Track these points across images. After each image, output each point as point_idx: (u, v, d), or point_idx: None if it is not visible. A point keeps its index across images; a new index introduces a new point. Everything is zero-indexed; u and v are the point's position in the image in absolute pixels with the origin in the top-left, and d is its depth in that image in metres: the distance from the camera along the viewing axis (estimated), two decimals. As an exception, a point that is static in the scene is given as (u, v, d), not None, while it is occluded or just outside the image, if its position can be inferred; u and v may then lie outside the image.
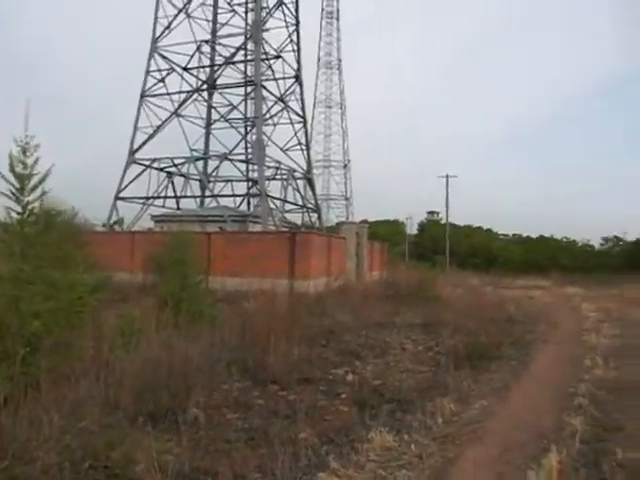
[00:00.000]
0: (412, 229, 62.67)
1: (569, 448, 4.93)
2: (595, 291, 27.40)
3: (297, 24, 29.78)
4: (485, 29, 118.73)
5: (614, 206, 76.99)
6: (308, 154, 30.14)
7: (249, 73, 28.69)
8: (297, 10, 29.88)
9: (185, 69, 27.75)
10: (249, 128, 29.51)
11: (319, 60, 61.81)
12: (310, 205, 29.94)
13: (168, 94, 27.39)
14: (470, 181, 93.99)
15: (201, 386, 6.05)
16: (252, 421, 5.47)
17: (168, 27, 27.33)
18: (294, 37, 29.52)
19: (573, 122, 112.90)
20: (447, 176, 45.78)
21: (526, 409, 6.34)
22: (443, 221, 51.24)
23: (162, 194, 26.46)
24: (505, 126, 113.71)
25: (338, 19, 61.08)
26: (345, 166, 61.26)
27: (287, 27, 29.31)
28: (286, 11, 29.17)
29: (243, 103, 29.78)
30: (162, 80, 27.33)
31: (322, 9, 60.78)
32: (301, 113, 29.64)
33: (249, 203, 29.46)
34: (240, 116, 29.74)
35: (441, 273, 32.91)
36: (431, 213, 62.59)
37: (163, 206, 26.86)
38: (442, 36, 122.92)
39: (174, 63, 27.37)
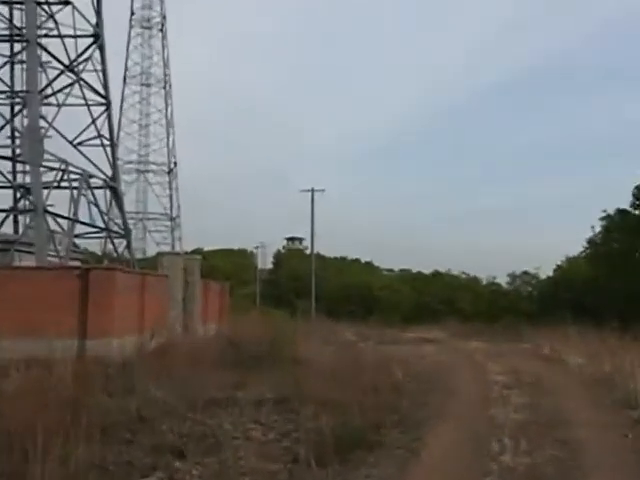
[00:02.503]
0: (266, 262, 63.38)
1: None
2: (503, 346, 29.70)
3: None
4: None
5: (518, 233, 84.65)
6: (113, 151, 29.24)
7: (17, 23, 26.94)
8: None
9: None
10: (17, 107, 27.70)
11: (133, 15, 60.03)
12: (116, 227, 28.93)
13: None
14: (343, 199, 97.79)
15: None
16: None
17: None
18: (92, -23, 28.63)
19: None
20: (312, 190, 46.09)
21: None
22: (308, 251, 52.40)
23: None
24: (384, 134, 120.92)
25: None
26: (170, 171, 58.72)
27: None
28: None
29: (8, 68, 27.83)
30: None
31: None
32: (103, 91, 28.72)
33: (17, 223, 27.69)
34: (3, 88, 27.80)
35: (305, 324, 33.51)
36: (292, 240, 63.89)
37: None
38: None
39: None
